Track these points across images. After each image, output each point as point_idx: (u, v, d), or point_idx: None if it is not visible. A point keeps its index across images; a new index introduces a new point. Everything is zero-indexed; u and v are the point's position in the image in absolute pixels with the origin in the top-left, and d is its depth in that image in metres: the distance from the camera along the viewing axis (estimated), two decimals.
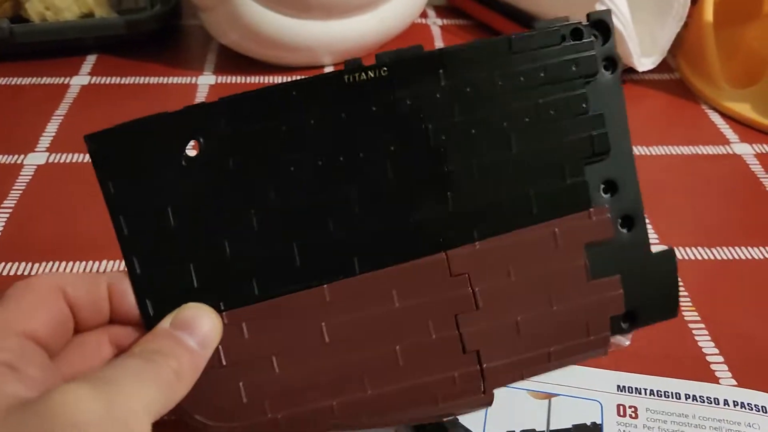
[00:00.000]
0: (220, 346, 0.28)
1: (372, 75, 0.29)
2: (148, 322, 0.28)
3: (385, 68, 0.29)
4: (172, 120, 0.28)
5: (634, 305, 0.32)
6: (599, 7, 0.60)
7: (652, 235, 0.49)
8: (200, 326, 0.27)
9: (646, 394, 0.37)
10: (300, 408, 0.29)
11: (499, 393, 0.36)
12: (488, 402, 0.31)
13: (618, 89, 0.31)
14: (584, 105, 0.31)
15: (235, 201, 0.28)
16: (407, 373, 0.30)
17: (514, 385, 0.38)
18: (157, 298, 0.28)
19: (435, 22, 0.78)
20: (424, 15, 0.78)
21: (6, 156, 0.54)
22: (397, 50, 0.29)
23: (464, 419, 0.36)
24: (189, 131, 0.28)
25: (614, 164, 0.31)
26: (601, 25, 0.30)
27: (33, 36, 0.65)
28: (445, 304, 0.30)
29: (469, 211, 0.30)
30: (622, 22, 0.61)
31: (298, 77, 0.29)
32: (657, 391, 0.37)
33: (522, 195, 0.30)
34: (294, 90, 0.28)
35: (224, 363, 0.28)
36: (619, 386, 0.38)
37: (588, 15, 0.31)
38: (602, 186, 0.31)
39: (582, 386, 0.38)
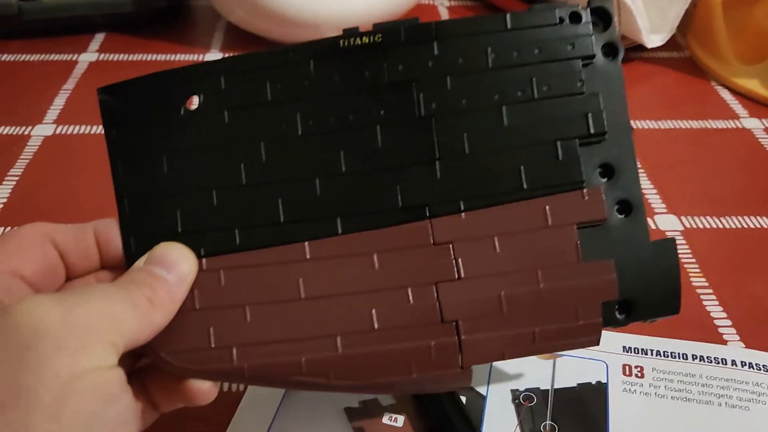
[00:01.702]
0: (195, 290, 0.28)
1: (367, 41, 0.29)
2: (129, 260, 0.28)
3: (380, 35, 0.29)
4: (175, 75, 0.29)
5: (631, 294, 0.30)
6: None
7: (661, 205, 0.48)
8: (174, 262, 0.27)
9: (652, 354, 0.37)
10: (267, 360, 0.28)
11: None
12: (466, 379, 0.29)
13: (619, 76, 0.30)
14: (579, 84, 0.30)
15: (226, 154, 0.29)
16: (381, 337, 0.29)
17: None
18: (141, 238, 0.29)
19: (442, 3, 0.78)
20: None
21: (14, 127, 0.54)
22: (393, 21, 0.30)
23: (473, 382, 0.36)
24: (189, 86, 0.29)
25: (613, 149, 0.30)
26: (602, 12, 0.30)
27: (42, 13, 0.65)
28: (426, 271, 0.29)
29: (457, 182, 0.29)
30: None
31: None
32: (663, 351, 0.37)
33: (512, 168, 0.29)
34: (291, 52, 0.29)
35: (197, 307, 0.28)
36: (624, 347, 0.37)
37: (589, 1, 0.30)
38: (599, 170, 0.30)
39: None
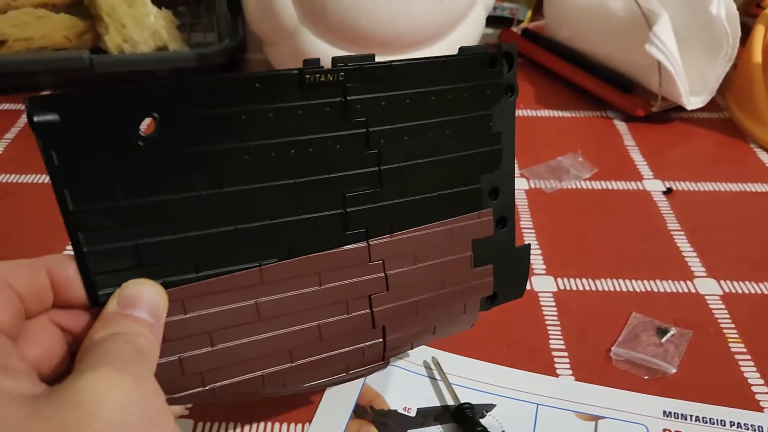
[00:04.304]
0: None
1: (331, 78, 0.30)
2: (94, 300, 0.27)
3: (342, 73, 0.30)
4: (130, 94, 0.26)
5: (497, 288, 0.38)
6: (649, 49, 0.63)
7: (701, 269, 0.50)
8: (146, 300, 0.27)
9: (691, 420, 0.39)
10: (233, 379, 0.31)
11: (546, 414, 0.38)
12: (385, 367, 0.36)
13: (512, 111, 0.36)
14: (490, 124, 0.35)
15: (184, 182, 0.28)
16: (326, 346, 0.33)
17: (560, 406, 0.39)
18: (103, 276, 0.27)
19: None
20: None
21: None
22: (351, 56, 0.31)
23: None
24: (146, 108, 0.27)
25: (500, 174, 0.36)
26: (509, 56, 0.35)
27: (111, 67, 0.70)
28: (362, 286, 0.34)
29: (391, 209, 0.34)
30: (672, 61, 0.63)
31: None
32: (702, 417, 0.39)
33: (433, 197, 0.35)
34: (257, 82, 0.29)
35: (166, 338, 0.29)
36: (665, 412, 0.39)
37: (500, 46, 0.34)
38: (489, 192, 0.37)
39: (628, 410, 0.39)
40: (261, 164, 0.30)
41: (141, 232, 0.28)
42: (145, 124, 0.27)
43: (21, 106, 0.68)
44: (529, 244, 0.39)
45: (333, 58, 0.30)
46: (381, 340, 0.35)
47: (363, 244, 0.33)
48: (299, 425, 0.38)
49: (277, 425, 0.38)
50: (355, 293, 0.34)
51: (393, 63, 0.31)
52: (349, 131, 0.31)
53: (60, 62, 0.69)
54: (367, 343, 0.35)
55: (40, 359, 0.26)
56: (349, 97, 0.31)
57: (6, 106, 0.69)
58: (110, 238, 0.27)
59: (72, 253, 0.27)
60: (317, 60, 0.30)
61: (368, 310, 0.34)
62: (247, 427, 0.38)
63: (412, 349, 0.37)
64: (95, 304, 0.27)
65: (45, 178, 0.58)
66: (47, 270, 0.26)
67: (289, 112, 0.30)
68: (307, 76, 0.29)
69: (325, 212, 0.32)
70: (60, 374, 0.26)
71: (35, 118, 0.25)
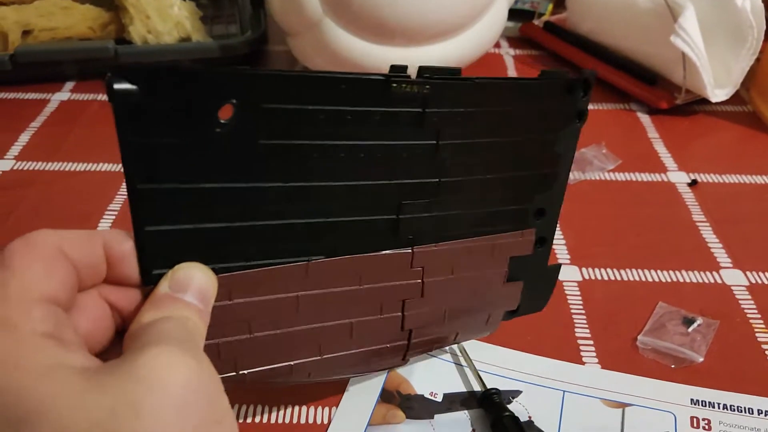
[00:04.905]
0: None
1: (416, 90, 0.30)
2: (147, 279, 0.27)
3: (428, 86, 0.30)
4: (215, 76, 0.26)
5: (521, 302, 0.39)
6: (674, 40, 0.62)
7: (726, 260, 0.50)
8: (197, 285, 0.27)
9: (719, 408, 0.38)
10: (264, 367, 0.32)
11: (573, 401, 0.38)
12: (402, 365, 0.38)
13: (576, 136, 0.35)
14: (554, 148, 0.35)
15: (250, 172, 0.28)
16: (355, 342, 0.34)
17: (586, 393, 0.39)
18: (158, 256, 0.27)
19: (507, 52, 0.81)
20: (497, 45, 0.81)
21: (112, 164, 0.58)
22: (438, 67, 0.30)
23: (540, 424, 0.38)
24: (228, 93, 0.26)
25: (550, 195, 0.36)
26: (587, 83, 0.34)
27: (135, 57, 0.70)
28: (399, 290, 0.34)
29: (441, 219, 0.33)
30: (697, 53, 0.63)
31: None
32: (730, 405, 0.39)
33: (482, 212, 0.35)
34: (343, 83, 0.28)
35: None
36: (692, 400, 0.39)
37: (581, 71, 0.34)
38: (535, 211, 0.36)
39: (656, 398, 0.39)
40: (328, 164, 0.29)
41: (200, 217, 0.27)
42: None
43: (46, 95, 0.69)
44: (560, 264, 0.40)
45: (420, 68, 0.30)
46: (406, 342, 0.36)
47: (408, 250, 0.33)
48: (326, 409, 0.39)
49: (304, 409, 0.39)
50: (391, 296, 0.34)
51: (477, 80, 0.31)
52: (420, 141, 0.31)
53: (85, 52, 0.69)
54: (392, 344, 0.35)
55: (88, 334, 0.26)
56: (428, 111, 0.30)
57: (32, 95, 0.69)
58: (170, 219, 0.27)
59: (128, 230, 0.27)
60: (405, 67, 0.29)
61: (400, 314, 0.35)
62: (275, 411, 0.38)
63: (429, 352, 0.38)
64: (147, 282, 0.27)
65: (71, 166, 0.58)
66: (103, 243, 0.26)
67: (367, 117, 0.29)
68: (394, 85, 0.29)
69: (378, 216, 0.32)
70: (104, 351, 0.27)
71: (115, 86, 0.23)
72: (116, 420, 0.21)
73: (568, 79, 0.33)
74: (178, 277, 0.27)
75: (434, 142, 0.31)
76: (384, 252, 0.33)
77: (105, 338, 0.27)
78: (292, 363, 0.32)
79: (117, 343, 0.27)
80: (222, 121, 0.26)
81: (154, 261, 0.27)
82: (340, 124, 0.29)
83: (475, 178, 0.33)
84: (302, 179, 0.29)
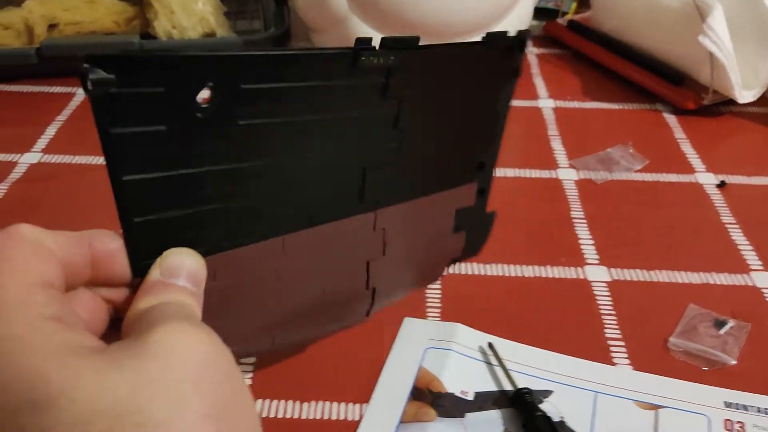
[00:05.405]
0: None
1: (382, 61, 0.30)
2: (137, 271, 0.27)
3: (392, 57, 0.31)
4: (191, 60, 0.25)
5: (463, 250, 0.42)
6: (702, 40, 0.62)
7: (757, 262, 0.49)
8: (187, 269, 0.27)
9: (753, 410, 0.38)
10: (250, 341, 0.33)
11: (605, 402, 0.38)
12: (365, 320, 0.39)
13: (512, 92, 0.38)
14: (496, 106, 0.37)
15: (230, 154, 0.28)
16: (328, 306, 0.36)
17: (619, 394, 0.39)
18: (147, 246, 0.27)
19: (531, 51, 0.80)
20: None
21: None
22: (399, 37, 0.31)
23: (572, 425, 0.37)
24: (205, 76, 0.25)
25: (489, 150, 0.39)
26: (522, 41, 0.36)
27: (159, 51, 0.70)
28: (364, 251, 0.36)
29: (400, 182, 0.35)
30: (725, 54, 0.62)
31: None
32: (765, 408, 0.38)
33: (434, 171, 0.37)
34: (313, 58, 0.29)
35: None
36: (726, 402, 0.39)
37: (519, 32, 0.35)
38: (477, 165, 0.39)
39: (689, 400, 0.39)
40: (302, 139, 0.30)
41: (186, 203, 0.27)
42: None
43: (72, 89, 0.69)
44: (495, 212, 0.42)
45: (382, 39, 0.30)
46: (370, 299, 0.38)
47: (372, 214, 0.35)
48: (356, 406, 0.38)
49: (335, 404, 0.38)
50: (357, 257, 0.36)
51: (435, 50, 0.32)
52: (383, 110, 0.32)
53: (111, 46, 0.69)
54: (357, 302, 0.38)
55: (84, 324, 0.25)
56: (392, 80, 0.31)
57: (57, 89, 0.70)
58: (158, 208, 0.27)
59: (114, 230, 0.26)
60: (370, 39, 0.30)
61: (366, 273, 0.37)
62: (306, 405, 0.38)
63: (388, 304, 0.40)
64: (138, 274, 0.27)
65: (96, 159, 0.58)
66: (90, 243, 0.26)
67: (337, 90, 0.30)
68: (362, 57, 0.30)
69: (347, 184, 0.33)
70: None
71: (90, 76, 0.23)
72: (137, 397, 0.21)
73: (508, 39, 0.35)
74: (169, 263, 0.27)
75: (396, 110, 0.32)
76: (352, 217, 0.34)
77: (100, 329, 0.27)
78: (273, 334, 0.34)
79: (112, 334, 0.26)
80: (202, 106, 0.26)
81: (145, 252, 0.27)
82: (312, 100, 0.29)
83: (430, 140, 0.36)
84: (280, 156, 0.30)
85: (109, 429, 0.20)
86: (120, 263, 0.26)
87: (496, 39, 0.34)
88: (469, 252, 0.42)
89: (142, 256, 0.27)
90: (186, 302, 0.26)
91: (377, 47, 0.30)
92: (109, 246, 0.26)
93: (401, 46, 0.31)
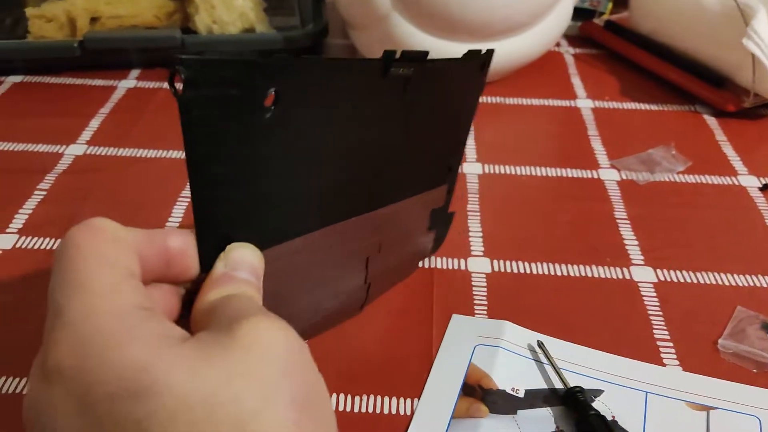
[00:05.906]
0: None
1: (404, 71, 0.33)
2: (207, 266, 0.28)
3: (412, 68, 0.34)
4: (262, 67, 0.26)
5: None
6: (746, 43, 0.62)
7: None
8: (249, 262, 0.28)
9: None
10: None
11: (656, 402, 0.38)
12: (358, 313, 0.43)
13: (476, 106, 0.43)
14: (467, 114, 0.43)
15: (292, 156, 0.29)
16: (337, 303, 0.39)
17: (670, 395, 0.39)
18: (215, 242, 0.28)
19: (567, 51, 0.80)
20: (557, 44, 0.81)
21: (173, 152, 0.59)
22: (417, 51, 0.34)
23: (624, 424, 0.38)
24: (271, 81, 0.27)
25: (456, 154, 0.44)
26: (489, 60, 0.41)
27: (200, 47, 0.71)
28: (366, 248, 0.39)
29: (399, 181, 0.39)
30: (767, 55, 0.62)
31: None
32: None
33: (422, 174, 0.41)
34: (360, 66, 0.32)
35: None
36: None
37: (488, 50, 0.40)
38: (448, 169, 0.44)
39: (740, 402, 0.39)
40: (337, 145, 0.32)
41: (246, 201, 0.28)
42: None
43: (114, 82, 0.70)
44: (454, 212, 0.48)
45: (402, 52, 0.33)
46: (365, 294, 0.42)
47: (373, 213, 0.37)
48: (408, 400, 0.39)
49: (386, 399, 0.39)
50: (359, 255, 0.39)
51: (434, 62, 0.35)
52: (397, 117, 0.35)
53: (153, 41, 0.70)
54: (355, 297, 0.41)
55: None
56: (408, 90, 0.34)
57: (99, 81, 0.70)
58: (226, 205, 0.28)
59: (176, 227, 0.28)
60: (394, 52, 0.32)
61: (365, 270, 0.40)
62: (357, 399, 0.39)
63: (374, 299, 0.44)
64: (206, 269, 0.28)
65: (141, 152, 0.59)
66: (165, 240, 0.27)
67: (371, 99, 0.33)
68: (392, 69, 0.32)
69: (360, 184, 0.36)
70: None
71: (183, 76, 0.24)
72: (231, 387, 0.21)
73: (483, 56, 0.39)
74: (233, 257, 0.27)
75: (406, 116, 0.36)
76: (358, 216, 0.36)
77: (171, 318, 0.27)
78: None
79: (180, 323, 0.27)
80: (267, 108, 0.27)
81: (213, 248, 0.28)
82: (351, 108, 0.32)
83: (424, 144, 0.39)
84: (324, 157, 0.32)
85: (207, 418, 0.20)
86: (190, 259, 0.27)
87: (475, 55, 0.39)
88: (434, 248, 0.48)
89: (213, 252, 0.28)
90: (252, 295, 0.27)
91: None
92: (181, 243, 0.27)
93: (416, 59, 0.34)
